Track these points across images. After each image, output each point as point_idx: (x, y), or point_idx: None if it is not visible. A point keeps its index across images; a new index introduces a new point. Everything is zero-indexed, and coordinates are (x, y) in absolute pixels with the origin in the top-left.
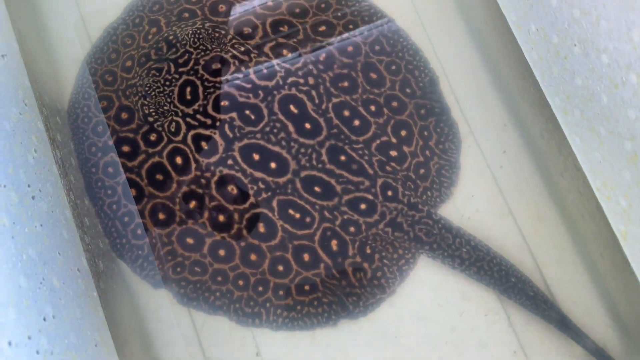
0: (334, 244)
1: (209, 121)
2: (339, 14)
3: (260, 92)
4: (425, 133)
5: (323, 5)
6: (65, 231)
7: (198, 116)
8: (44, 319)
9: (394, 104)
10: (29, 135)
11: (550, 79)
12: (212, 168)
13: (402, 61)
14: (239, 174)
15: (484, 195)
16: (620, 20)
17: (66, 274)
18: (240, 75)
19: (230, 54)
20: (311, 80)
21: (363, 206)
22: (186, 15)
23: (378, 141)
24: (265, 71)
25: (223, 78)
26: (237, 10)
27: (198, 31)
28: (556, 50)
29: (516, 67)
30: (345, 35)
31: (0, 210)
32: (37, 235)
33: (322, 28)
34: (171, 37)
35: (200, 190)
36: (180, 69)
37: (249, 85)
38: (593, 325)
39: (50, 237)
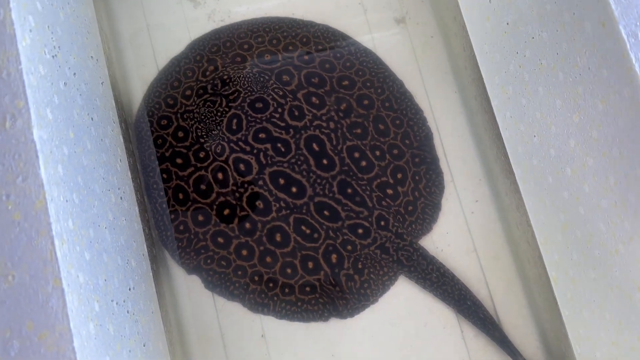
0: (333, 257)
1: (248, 148)
2: (360, 73)
3: (291, 130)
4: (417, 177)
5: (348, 64)
6: (135, 224)
7: (240, 143)
8: (129, 289)
9: (395, 151)
10: (116, 148)
11: (516, 154)
12: (246, 185)
13: (405, 117)
14: (266, 193)
15: (456, 234)
16: (564, 128)
17: (138, 257)
18: (277, 115)
19: (270, 96)
20: (332, 125)
21: (360, 231)
22: (239, 59)
23: (378, 180)
24: (296, 113)
25: (263, 115)
26: (279, 60)
27: (247, 75)
28: (522, 136)
29: (494, 138)
30: (364, 91)
31: (107, 208)
32: (123, 227)
33: (345, 82)
34: (225, 77)
35: (233, 202)
36: (230, 104)
37: (282, 124)
38: (526, 346)
39: (129, 229)
